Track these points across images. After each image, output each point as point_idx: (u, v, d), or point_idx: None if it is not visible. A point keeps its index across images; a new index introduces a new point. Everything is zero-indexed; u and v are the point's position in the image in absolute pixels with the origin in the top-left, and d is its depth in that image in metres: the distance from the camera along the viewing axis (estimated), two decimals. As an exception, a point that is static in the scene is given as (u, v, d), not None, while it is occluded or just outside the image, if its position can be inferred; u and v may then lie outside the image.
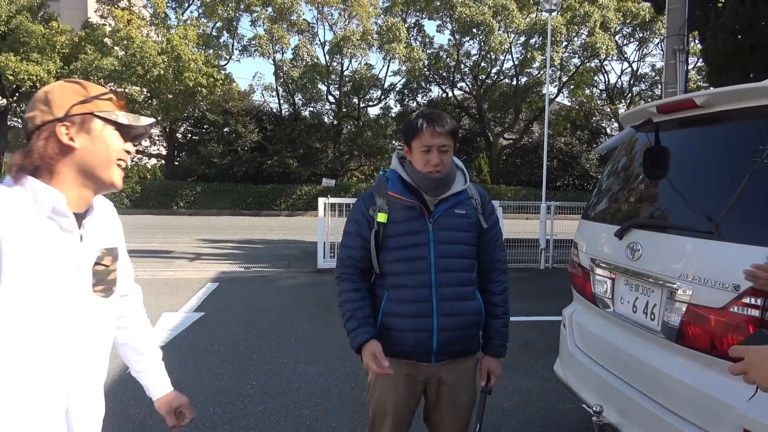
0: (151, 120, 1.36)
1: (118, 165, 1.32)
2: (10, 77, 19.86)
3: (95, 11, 23.03)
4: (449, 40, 25.24)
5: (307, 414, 3.55)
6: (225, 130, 23.73)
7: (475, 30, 23.06)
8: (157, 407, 1.62)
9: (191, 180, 23.61)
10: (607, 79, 27.36)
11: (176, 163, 24.72)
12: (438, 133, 1.96)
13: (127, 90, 21.46)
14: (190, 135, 25.00)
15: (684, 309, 2.16)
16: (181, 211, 21.95)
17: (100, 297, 1.34)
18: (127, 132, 1.34)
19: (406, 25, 24.10)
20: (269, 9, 22.40)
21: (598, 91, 28.06)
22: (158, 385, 1.61)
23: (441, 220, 2.02)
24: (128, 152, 1.34)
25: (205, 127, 24.08)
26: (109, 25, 21.92)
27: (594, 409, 2.54)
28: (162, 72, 19.91)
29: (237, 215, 21.57)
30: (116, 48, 20.96)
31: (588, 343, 2.94)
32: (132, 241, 12.15)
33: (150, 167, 30.50)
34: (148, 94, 21.82)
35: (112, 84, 21.01)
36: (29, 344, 1.20)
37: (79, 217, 1.29)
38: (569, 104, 28.83)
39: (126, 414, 3.51)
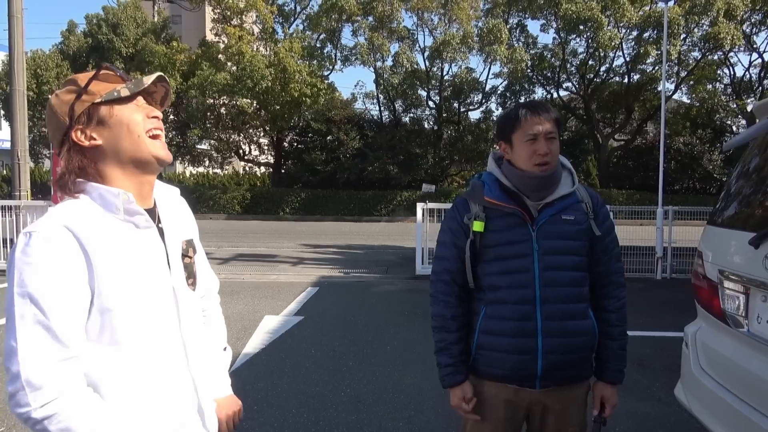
0: (154, 75, 1.23)
1: (153, 137, 1.24)
2: (138, 95, 21.72)
3: (210, 30, 24.67)
4: (554, 38, 24.27)
5: (401, 426, 3.44)
6: (328, 138, 24.43)
7: (582, 27, 21.94)
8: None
9: (296, 187, 24.54)
10: (732, 73, 24.90)
11: (283, 171, 25.82)
12: (543, 119, 1.76)
13: (238, 102, 22.80)
14: (295, 144, 26.01)
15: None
16: (287, 217, 22.85)
17: (192, 290, 1.32)
18: (142, 100, 1.25)
19: (508, 26, 23.48)
20: (370, 18, 22.80)
21: (722, 85, 25.60)
22: (217, 384, 1.50)
23: (546, 227, 1.78)
24: (156, 117, 1.25)
25: (309, 135, 24.95)
26: (223, 42, 23.38)
27: (725, 444, 2.21)
28: (269, 84, 20.87)
29: (339, 221, 22.07)
30: (229, 63, 22.28)
31: (716, 366, 2.57)
32: (240, 245, 12.83)
33: (260, 175, 32.19)
34: (257, 106, 22.98)
35: (224, 97, 22.37)
36: (146, 345, 1.18)
37: (151, 212, 1.25)
38: (688, 101, 26.60)
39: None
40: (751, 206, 2.65)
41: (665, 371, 4.39)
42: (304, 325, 5.85)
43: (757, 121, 2.63)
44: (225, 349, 1.56)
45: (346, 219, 22.52)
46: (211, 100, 22.46)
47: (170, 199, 1.37)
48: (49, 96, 1.27)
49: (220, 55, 22.61)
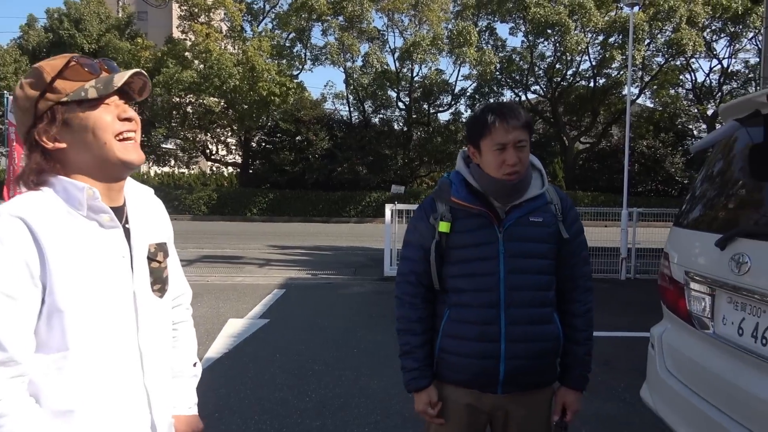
0: (128, 73, 1.12)
1: (123, 139, 1.13)
2: (100, 92, 21.16)
3: (177, 27, 24.20)
4: (522, 42, 24.58)
5: (366, 432, 3.36)
6: (297, 138, 24.20)
7: (549, 31, 22.27)
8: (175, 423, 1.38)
9: (264, 187, 24.23)
10: (694, 78, 25.63)
11: (250, 171, 25.47)
12: (513, 126, 1.66)
13: (205, 101, 22.41)
14: (264, 144, 25.68)
15: (808, 334, 1.78)
16: (254, 218, 22.53)
17: (157, 297, 1.21)
18: (114, 98, 1.13)
19: (477, 29, 23.67)
20: (340, 18, 22.68)
21: (684, 90, 26.35)
22: (180, 401, 1.39)
23: (513, 229, 1.72)
24: (128, 119, 1.14)
25: (278, 135, 24.67)
26: (190, 39, 22.95)
27: (689, 445, 2.19)
28: (237, 83, 20.57)
29: (307, 222, 21.88)
30: (196, 61, 21.88)
31: (682, 367, 2.56)
32: (206, 247, 12.56)
33: (227, 175, 31.71)
34: (225, 105, 22.61)
35: (191, 96, 21.95)
36: (97, 352, 1.09)
37: (118, 211, 1.16)
38: (652, 105, 27.27)
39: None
40: (717, 208, 2.66)
41: (632, 372, 4.41)
42: (269, 328, 5.72)
43: (722, 123, 2.64)
44: (195, 364, 1.44)
45: (314, 220, 22.35)
46: (177, 99, 22.02)
47: (143, 199, 1.26)
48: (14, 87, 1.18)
49: (186, 53, 22.21)
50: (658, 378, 2.68)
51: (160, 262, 1.23)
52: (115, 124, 1.12)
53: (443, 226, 1.74)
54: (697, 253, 2.50)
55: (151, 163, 29.19)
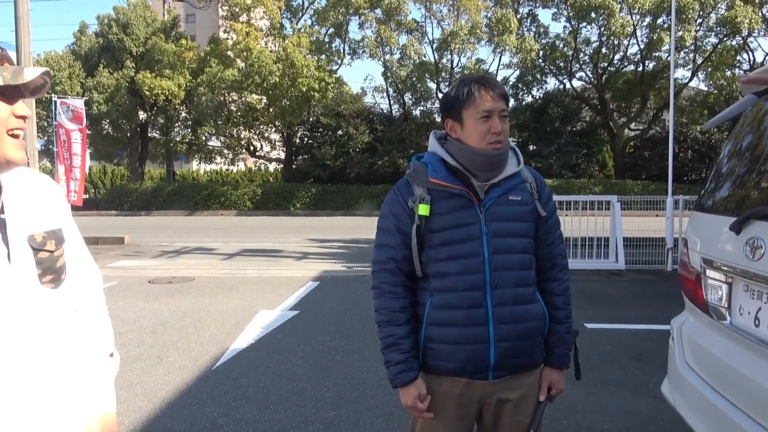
0: (38, 70, 1.08)
1: (12, 136, 1.10)
2: (147, 93, 21.86)
3: (219, 27, 24.72)
4: (565, 27, 23.84)
5: (379, 423, 3.33)
6: (338, 132, 24.33)
7: (593, 14, 21.54)
8: (86, 424, 1.25)
9: (307, 182, 24.50)
10: (752, 58, 24.21)
11: (293, 166, 25.80)
12: (498, 95, 1.66)
13: (247, 99, 22.83)
14: (306, 139, 25.95)
15: (823, 324, 1.64)
16: (297, 212, 22.83)
17: (50, 288, 1.15)
18: (11, 92, 1.09)
19: (518, 16, 23.13)
20: (377, 10, 22.61)
21: (742, 71, 24.95)
22: (93, 400, 1.27)
23: (494, 208, 1.69)
24: (22, 116, 1.10)
25: (319, 130, 24.87)
26: (231, 38, 23.39)
27: (704, 443, 2.06)
28: (278, 79, 20.83)
29: (349, 215, 22.00)
30: (237, 60, 22.29)
31: (700, 361, 2.42)
32: (247, 241, 12.82)
33: (272, 171, 32.26)
34: (267, 102, 22.97)
35: (233, 94, 22.40)
36: None
37: None
38: (706, 88, 25.99)
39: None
40: (739, 190, 2.49)
41: (665, 366, 4.21)
42: (298, 319, 5.77)
43: (744, 95, 2.46)
44: (112, 355, 1.35)
45: (356, 213, 22.44)
46: (221, 97, 22.50)
47: (27, 188, 1.20)
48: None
49: (228, 52, 22.63)
50: (677, 372, 2.55)
51: (51, 251, 1.16)
52: (9, 120, 1.10)
53: (423, 209, 1.68)
54: (714, 238, 2.35)
55: (199, 161, 30.05)
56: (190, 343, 4.97)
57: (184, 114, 25.52)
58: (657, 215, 10.06)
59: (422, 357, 1.75)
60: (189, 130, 25.86)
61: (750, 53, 23.75)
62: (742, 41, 22.73)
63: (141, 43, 23.86)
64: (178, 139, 25.86)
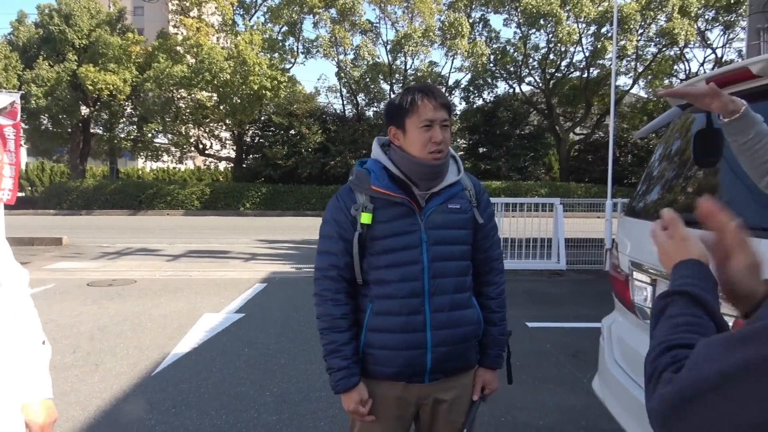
0: (12, 96, 1.10)
1: None
2: (90, 87, 21.06)
3: (169, 21, 24.07)
4: (515, 33, 24.41)
5: (321, 426, 3.33)
6: (290, 132, 24.09)
7: (542, 21, 22.13)
8: (28, 409, 1.29)
9: (258, 182, 24.14)
10: (688, 68, 25.45)
11: (244, 165, 25.38)
12: (440, 104, 1.69)
13: (197, 96, 22.31)
14: (257, 138, 25.57)
15: (732, 324, 1.74)
16: (247, 212, 22.47)
17: None
18: None
19: (470, 21, 23.52)
20: (332, 10, 22.53)
21: (678, 80, 26.20)
22: (29, 387, 1.31)
23: (433, 217, 1.73)
24: None
25: (271, 129, 24.54)
26: (181, 34, 22.81)
27: (628, 438, 2.16)
28: (229, 77, 20.45)
29: (300, 216, 21.82)
30: (187, 55, 21.76)
31: (627, 358, 2.53)
32: (194, 242, 12.52)
33: (222, 170, 31.61)
34: (217, 99, 22.51)
35: (182, 90, 21.87)
36: None
37: None
38: (646, 96, 27.13)
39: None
40: (665, 196, 2.62)
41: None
42: (243, 322, 5.69)
43: (671, 107, 2.59)
44: (44, 342, 1.38)
45: (307, 214, 22.28)
46: (169, 94, 21.90)
47: None
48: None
49: (177, 47, 22.06)
50: (606, 369, 2.65)
51: None
52: None
53: (365, 218, 1.70)
54: (642, 242, 2.47)
55: (145, 159, 29.13)
56: (129, 348, 4.82)
57: (129, 110, 24.71)
58: (599, 217, 10.44)
59: (362, 362, 1.78)
60: (134, 126, 25.04)
61: (686, 63, 24.98)
62: (679, 52, 23.85)
63: (84, 35, 22.95)
64: (122, 135, 25.00)
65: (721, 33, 23.51)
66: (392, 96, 24.72)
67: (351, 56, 23.76)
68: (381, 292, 1.73)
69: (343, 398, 1.76)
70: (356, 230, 1.72)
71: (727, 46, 23.81)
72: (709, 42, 24.04)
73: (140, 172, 32.79)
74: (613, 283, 2.79)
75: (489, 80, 25.43)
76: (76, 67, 21.97)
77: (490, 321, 1.86)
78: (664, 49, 23.17)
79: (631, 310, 2.50)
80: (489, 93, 26.22)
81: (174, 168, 32.51)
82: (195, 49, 21.04)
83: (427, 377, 1.75)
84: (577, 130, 27.37)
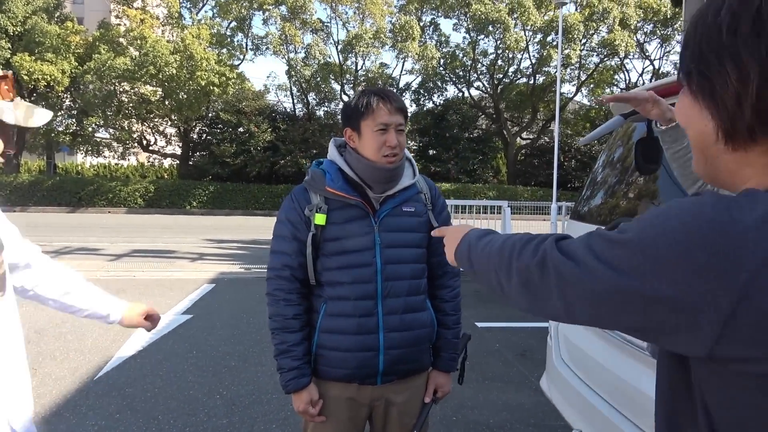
0: (48, 116, 1.09)
1: None
2: (25, 77, 20.04)
3: (111, 11, 23.20)
4: (465, 38, 24.89)
5: (273, 429, 3.30)
6: (239, 130, 23.68)
7: (491, 28, 22.67)
8: (127, 325, 1.65)
9: (205, 180, 23.60)
10: (627, 78, 26.66)
11: (191, 163, 24.77)
12: (396, 108, 1.69)
13: (140, 90, 21.60)
14: (204, 135, 25.00)
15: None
16: (194, 211, 21.94)
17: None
18: (3, 128, 1.08)
19: (421, 24, 23.81)
20: (282, 7, 22.30)
21: (619, 89, 27.40)
22: (113, 305, 1.59)
23: (387, 219, 1.73)
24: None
25: (219, 126, 24.06)
26: (124, 25, 22.03)
27: (574, 433, 2.25)
28: (175, 71, 19.91)
29: (249, 215, 21.49)
30: (130, 48, 21.03)
31: (573, 356, 2.63)
32: (137, 241, 12.14)
33: (167, 167, 30.70)
34: (162, 94, 21.87)
35: (125, 84, 21.12)
36: None
37: None
38: (588, 103, 28.22)
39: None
40: (608, 201, 2.74)
41: (545, 362, 4.53)
42: (191, 324, 5.56)
43: (614, 116, 2.71)
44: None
45: (257, 213, 21.97)
46: (111, 86, 21.11)
47: None
48: None
49: (120, 39, 21.30)
50: (554, 368, 2.75)
51: None
52: None
53: (319, 219, 1.70)
54: (587, 245, 2.57)
55: (84, 154, 27.96)
56: (69, 351, 4.62)
57: (68, 102, 23.67)
58: (544, 219, 10.81)
59: (314, 363, 1.78)
60: (74, 119, 24.00)
61: (626, 73, 26.16)
62: (619, 62, 24.93)
63: (19, 22, 21.81)
64: (60, 129, 23.91)
65: (659, 45, 24.75)
66: (345, 97, 24.75)
67: (302, 55, 23.63)
68: (334, 293, 1.74)
69: (294, 398, 1.76)
70: (310, 231, 1.72)
71: (665, 58, 25.07)
72: (647, 54, 25.25)
73: (79, 168, 31.43)
74: (561, 284, 2.89)
75: (439, 83, 25.83)
76: (9, 56, 20.85)
77: (444, 324, 1.87)
78: (605, 59, 24.17)
79: (578, 310, 2.60)
80: (439, 96, 26.65)
81: (116, 164, 31.34)
82: (139, 42, 20.40)
83: (380, 379, 1.76)
84: (524, 134, 28.16)
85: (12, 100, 1.05)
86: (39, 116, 1.07)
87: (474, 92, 27.18)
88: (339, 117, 25.97)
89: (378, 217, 1.73)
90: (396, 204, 1.75)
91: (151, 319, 1.73)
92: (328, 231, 1.71)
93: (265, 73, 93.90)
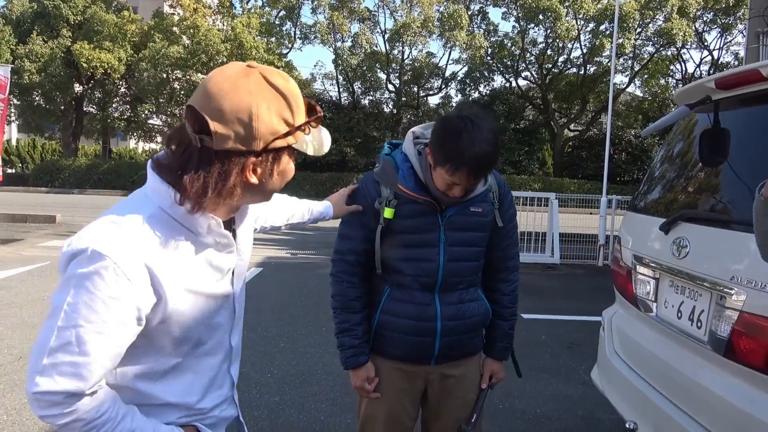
0: (329, 141, 1.15)
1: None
2: (84, 65, 20.83)
3: (165, 1, 23.82)
4: (514, 27, 24.42)
5: (323, 408, 3.39)
6: (286, 118, 23.92)
7: (541, 16, 22.16)
8: (337, 215, 1.86)
9: (252, 167, 24.05)
10: (684, 69, 25.61)
11: (238, 150, 25.29)
12: (476, 180, 1.64)
13: (192, 77, 22.15)
14: (252, 122, 25.42)
15: (736, 317, 1.81)
16: (241, 197, 22.42)
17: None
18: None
19: (469, 13, 23.49)
20: (331, -4, 22.44)
21: (674, 81, 26.36)
22: (322, 206, 1.82)
23: (454, 218, 1.74)
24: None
25: (266, 114, 24.40)
26: (177, 14, 22.59)
27: (628, 425, 2.23)
28: (225, 59, 20.31)
29: (294, 202, 21.79)
30: (183, 36, 21.57)
31: (627, 349, 2.61)
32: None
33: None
34: (213, 82, 22.35)
35: (178, 71, 21.69)
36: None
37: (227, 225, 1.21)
38: (641, 95, 27.29)
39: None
40: (670, 193, 2.68)
41: (593, 355, 4.46)
42: (241, 305, 5.72)
43: (679, 107, 2.65)
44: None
45: (301, 200, 22.27)
46: (164, 74, 21.72)
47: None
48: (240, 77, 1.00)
49: (174, 28, 21.86)
50: (606, 359, 2.73)
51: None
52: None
53: (389, 213, 1.73)
54: (645, 237, 2.53)
55: (137, 140, 28.93)
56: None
57: (123, 89, 24.50)
58: (591, 213, 10.55)
59: (373, 340, 1.84)
60: (128, 106, 24.84)
61: (683, 64, 25.14)
62: (676, 52, 23.99)
63: (79, 11, 22.66)
64: (116, 115, 24.80)
65: (719, 35, 23.68)
66: (391, 87, 24.60)
67: (349, 44, 23.69)
68: (398, 280, 1.79)
69: (351, 375, 1.84)
70: (379, 223, 1.75)
71: (724, 48, 23.98)
72: (706, 44, 24.20)
73: (132, 153, 32.55)
74: (615, 276, 2.86)
75: (486, 73, 25.46)
76: (70, 44, 21.72)
77: (501, 315, 1.92)
78: (661, 48, 23.30)
79: (633, 302, 2.56)
80: (485, 86, 26.26)
81: (167, 150, 32.24)
82: (191, 31, 20.87)
83: (434, 361, 1.83)
84: (572, 126, 27.50)
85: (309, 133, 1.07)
86: (326, 142, 1.11)
87: (522, 82, 26.68)
88: (384, 106, 26.15)
89: (445, 216, 1.74)
90: (464, 204, 1.74)
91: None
92: (395, 224, 1.75)
93: (311, 62, 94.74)
